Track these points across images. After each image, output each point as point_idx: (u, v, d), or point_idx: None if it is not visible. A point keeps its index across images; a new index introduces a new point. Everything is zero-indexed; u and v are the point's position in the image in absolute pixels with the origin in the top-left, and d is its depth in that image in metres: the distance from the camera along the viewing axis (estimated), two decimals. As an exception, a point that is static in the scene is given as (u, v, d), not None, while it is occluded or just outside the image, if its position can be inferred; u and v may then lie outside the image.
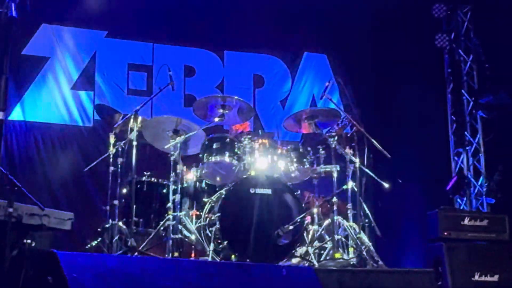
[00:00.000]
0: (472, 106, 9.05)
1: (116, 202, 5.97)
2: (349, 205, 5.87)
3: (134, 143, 5.92)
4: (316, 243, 5.95)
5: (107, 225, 5.97)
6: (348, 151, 5.99)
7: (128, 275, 3.46)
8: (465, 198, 8.89)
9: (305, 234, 5.84)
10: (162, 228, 5.78)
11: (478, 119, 9.03)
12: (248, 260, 5.29)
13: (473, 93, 9.07)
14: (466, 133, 9.06)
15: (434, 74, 9.31)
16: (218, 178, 6.02)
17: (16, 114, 7.65)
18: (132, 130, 5.94)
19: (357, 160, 5.96)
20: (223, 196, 5.65)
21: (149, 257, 5.29)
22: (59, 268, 3.25)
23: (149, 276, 3.50)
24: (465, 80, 9.17)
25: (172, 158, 5.91)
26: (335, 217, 5.79)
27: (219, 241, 5.52)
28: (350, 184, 5.86)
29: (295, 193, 5.83)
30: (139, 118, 6.06)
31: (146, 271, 3.53)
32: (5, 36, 3.56)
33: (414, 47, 8.89)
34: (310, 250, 5.72)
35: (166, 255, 5.56)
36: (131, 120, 5.97)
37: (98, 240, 5.99)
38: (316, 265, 5.45)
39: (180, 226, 5.68)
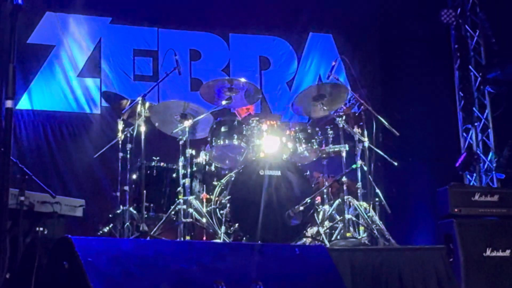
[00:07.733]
0: (480, 81, 9.01)
1: (126, 188, 6.00)
2: (359, 184, 5.88)
3: (142, 128, 5.92)
4: (327, 223, 5.97)
5: (118, 211, 6.00)
6: (357, 130, 5.98)
7: (143, 257, 3.47)
8: (474, 174, 8.88)
9: (315, 215, 5.85)
10: (173, 212, 5.80)
11: (486, 94, 9.00)
12: (259, 241, 5.30)
13: (480, 68, 9.03)
14: (474, 109, 9.04)
15: (441, 50, 9.27)
16: (227, 161, 6.03)
17: (24, 103, 7.66)
18: (140, 115, 5.94)
19: (365, 139, 5.95)
20: (232, 178, 5.65)
21: (163, 240, 5.31)
22: (74, 253, 3.26)
23: (163, 258, 3.51)
24: (472, 56, 9.13)
25: (180, 142, 5.93)
26: (345, 197, 5.80)
27: (230, 223, 5.53)
28: (359, 163, 5.86)
29: (305, 174, 5.84)
30: (147, 104, 6.06)
31: (161, 253, 3.54)
32: (11, 24, 3.54)
33: (420, 23, 8.84)
34: (321, 230, 5.74)
35: (178, 239, 5.60)
36: (139, 105, 5.96)
37: (110, 226, 6.03)
38: (328, 245, 5.46)
39: (191, 210, 5.70)
